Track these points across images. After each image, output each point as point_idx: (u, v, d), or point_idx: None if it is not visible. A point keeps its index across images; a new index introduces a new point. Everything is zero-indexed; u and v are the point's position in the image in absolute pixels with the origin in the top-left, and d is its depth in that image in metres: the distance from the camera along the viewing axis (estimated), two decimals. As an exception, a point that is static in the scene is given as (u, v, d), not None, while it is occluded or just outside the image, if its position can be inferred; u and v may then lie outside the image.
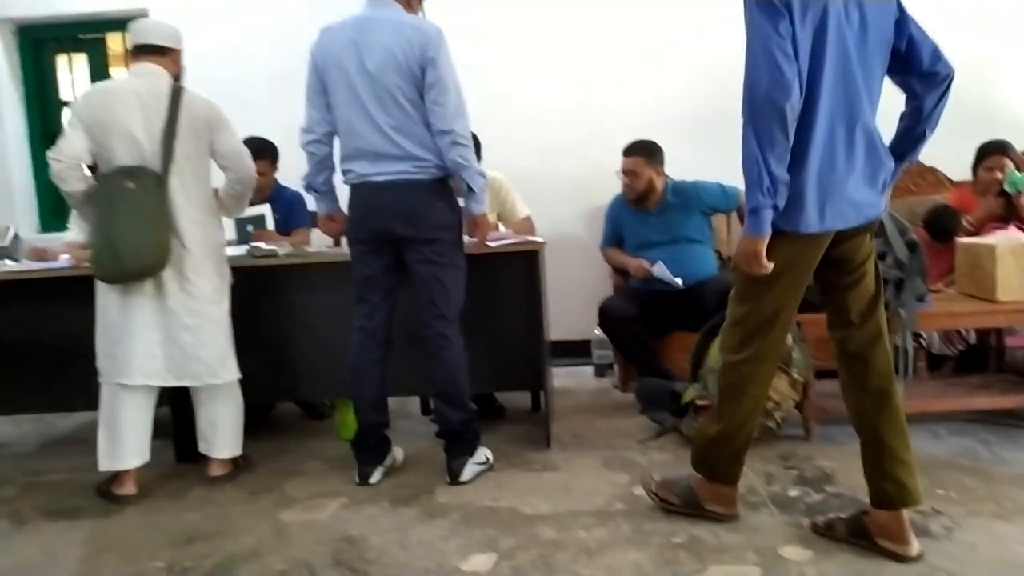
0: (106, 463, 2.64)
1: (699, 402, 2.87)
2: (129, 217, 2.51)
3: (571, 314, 3.99)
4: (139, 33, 2.69)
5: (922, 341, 3.33)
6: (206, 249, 2.68)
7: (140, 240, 2.50)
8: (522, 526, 2.26)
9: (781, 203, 1.81)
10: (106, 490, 2.66)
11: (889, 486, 1.96)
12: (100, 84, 2.78)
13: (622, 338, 3.52)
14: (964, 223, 3.40)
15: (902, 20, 1.92)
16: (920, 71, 1.95)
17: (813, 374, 2.87)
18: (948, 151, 4.04)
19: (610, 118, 4.20)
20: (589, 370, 4.18)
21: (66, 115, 4.86)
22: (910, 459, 1.97)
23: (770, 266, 1.86)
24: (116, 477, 2.66)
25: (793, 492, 2.40)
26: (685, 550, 2.05)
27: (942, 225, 3.40)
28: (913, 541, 1.96)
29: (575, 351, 4.21)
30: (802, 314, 2.78)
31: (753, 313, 2.02)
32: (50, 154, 2.63)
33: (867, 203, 1.92)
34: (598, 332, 3.83)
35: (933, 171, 4.14)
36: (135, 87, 2.62)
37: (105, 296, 2.65)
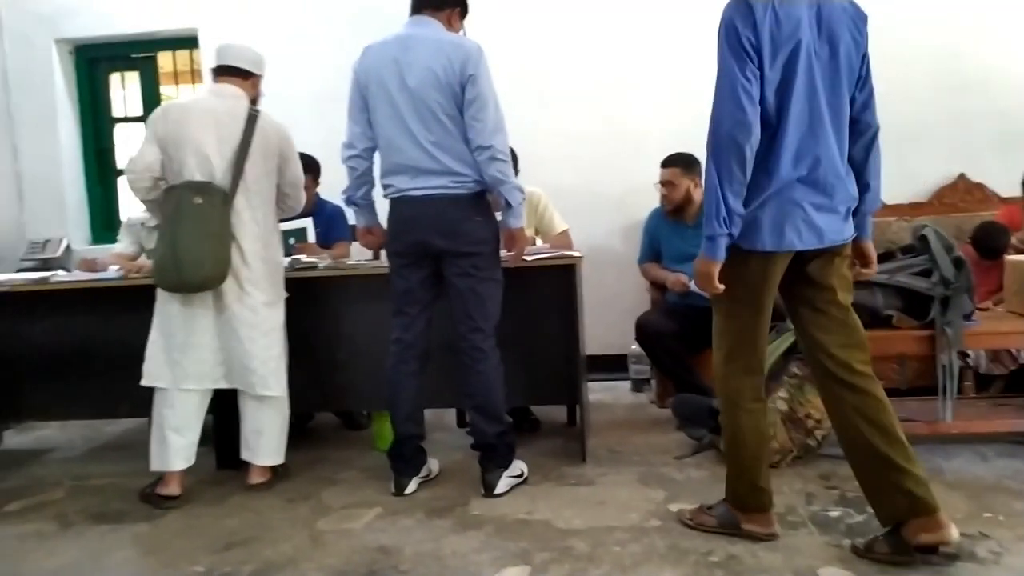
0: (157, 464, 2.73)
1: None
2: (194, 231, 2.59)
3: (608, 328, 3.98)
4: (225, 55, 2.80)
5: (969, 360, 3.26)
6: (266, 265, 2.76)
7: (203, 254, 2.58)
8: (556, 540, 2.25)
9: (736, 232, 1.93)
10: (150, 493, 2.73)
11: (900, 499, 1.97)
12: (179, 100, 2.89)
13: (659, 353, 3.50)
14: (1013, 240, 3.32)
15: (865, 58, 2.02)
16: (851, 115, 2.04)
17: (855, 392, 2.81)
18: (996, 167, 3.98)
19: (649, 133, 4.19)
20: (626, 385, 4.15)
21: (119, 131, 5.03)
22: (917, 469, 1.98)
23: (721, 287, 1.97)
24: (161, 478, 2.73)
25: (834, 512, 2.35)
26: (722, 569, 2.02)
27: (990, 242, 3.33)
28: (951, 525, 1.95)
29: (612, 366, 4.20)
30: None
31: (730, 327, 2.10)
32: (126, 166, 2.77)
33: (829, 229, 1.99)
34: (635, 347, 3.81)
35: (981, 187, 4.06)
36: (213, 106, 2.72)
37: (167, 304, 2.73)
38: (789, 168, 1.94)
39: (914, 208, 4.02)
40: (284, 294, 2.87)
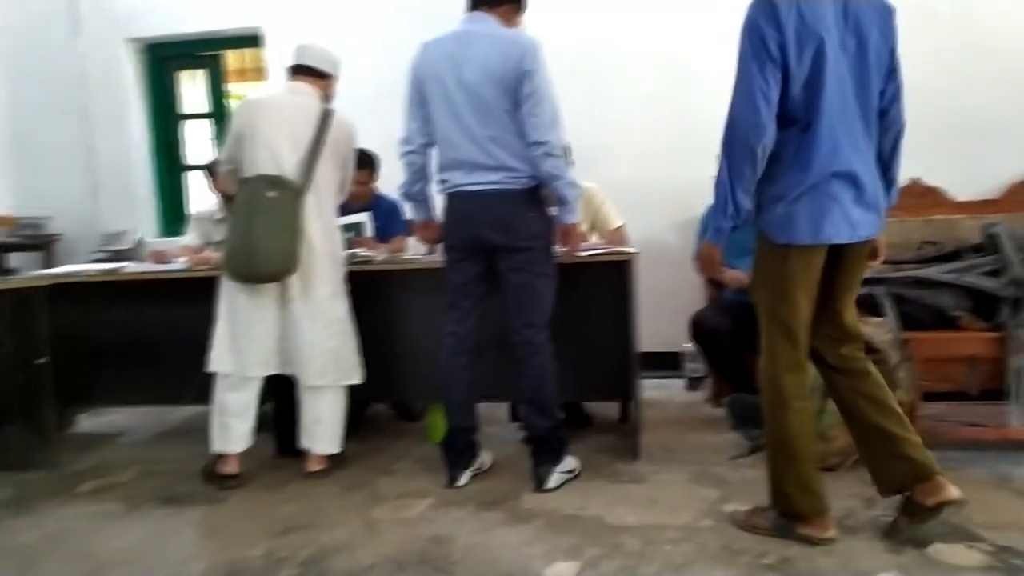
0: (217, 446, 2.83)
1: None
2: (267, 224, 2.66)
3: (663, 325, 3.94)
4: (303, 55, 2.89)
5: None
6: (330, 259, 2.84)
7: (275, 246, 2.66)
8: (607, 536, 2.25)
9: (741, 223, 2.01)
10: (211, 472, 2.84)
11: (900, 464, 2.05)
12: (258, 95, 2.99)
13: (714, 351, 3.45)
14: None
15: (893, 51, 2.04)
16: (878, 107, 2.06)
17: (920, 396, 2.73)
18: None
19: (708, 125, 4.10)
20: (680, 383, 4.11)
21: (187, 128, 5.20)
22: (912, 436, 2.09)
23: (723, 270, 2.12)
24: (220, 458, 2.84)
25: (894, 518, 2.28)
26: (775, 571, 1.99)
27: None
28: (951, 485, 2.03)
29: (667, 363, 4.16)
30: (909, 333, 2.70)
31: (773, 326, 2.10)
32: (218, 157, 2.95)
33: (862, 223, 2.02)
34: (690, 344, 3.77)
35: (1058, 184, 3.88)
36: (287, 102, 2.82)
37: (233, 293, 2.82)
38: (825, 162, 1.95)
39: (984, 206, 3.86)
40: (345, 286, 2.93)
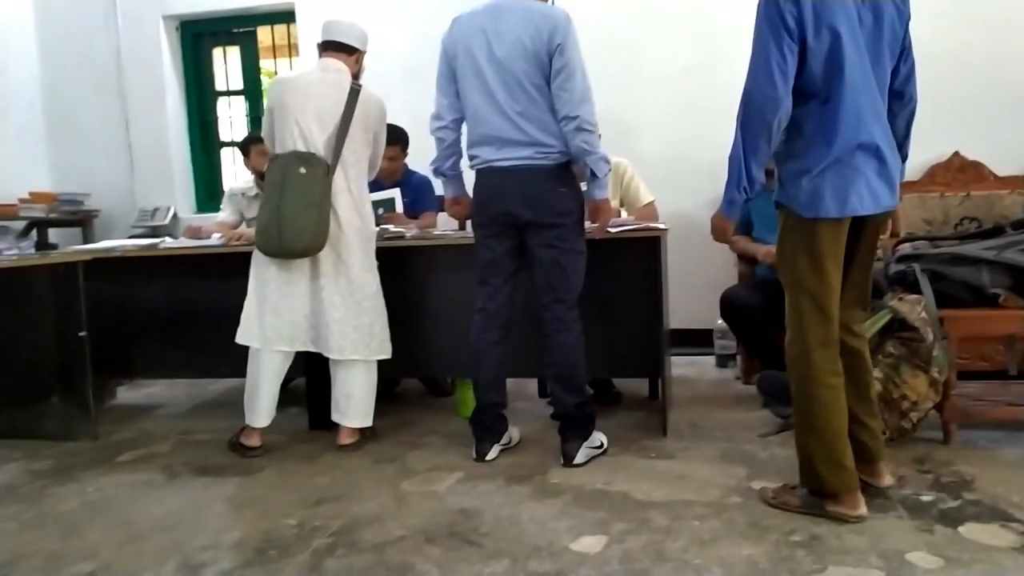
0: (249, 418, 2.91)
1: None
2: (298, 200, 2.70)
3: (694, 302, 3.92)
4: (332, 31, 2.89)
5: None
6: (360, 233, 2.86)
7: (305, 222, 2.69)
8: (634, 511, 2.25)
9: (754, 196, 2.05)
10: (236, 443, 2.93)
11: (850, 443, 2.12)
12: (288, 73, 3.03)
13: (745, 328, 3.42)
14: None
15: (907, 28, 2.06)
16: (893, 86, 2.09)
17: (956, 374, 2.69)
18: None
19: (738, 102, 4.05)
20: (711, 360, 4.09)
21: (221, 104, 5.25)
22: (875, 424, 2.23)
23: (735, 239, 2.18)
24: (243, 430, 2.92)
25: (927, 497, 2.26)
26: (804, 548, 1.98)
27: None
28: (887, 475, 2.22)
29: (697, 340, 4.14)
30: (946, 310, 2.65)
31: (801, 301, 2.10)
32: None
33: (884, 194, 2.04)
34: (720, 322, 3.74)
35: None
36: (317, 79, 2.84)
37: (264, 268, 2.87)
38: (849, 135, 1.97)
39: (1028, 180, 3.76)
40: (376, 262, 2.96)
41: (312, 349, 2.90)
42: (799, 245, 2.06)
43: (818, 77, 1.96)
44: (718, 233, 2.20)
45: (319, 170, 2.73)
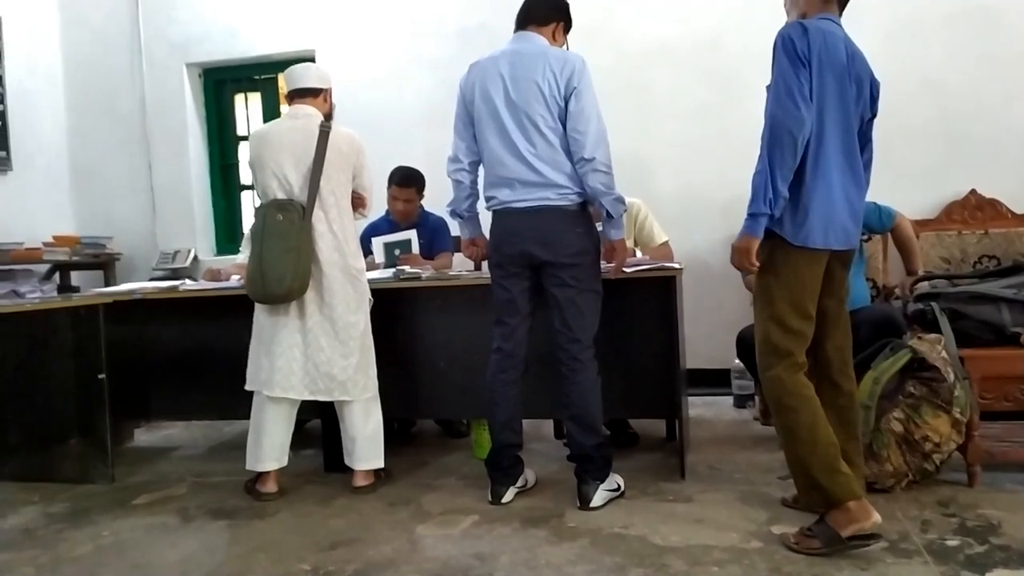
0: (251, 463, 2.92)
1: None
2: (276, 246, 2.75)
3: (710, 342, 3.90)
4: (294, 79, 2.97)
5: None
6: (344, 274, 2.88)
7: (285, 268, 2.73)
8: (652, 556, 2.22)
9: (777, 213, 2.14)
10: (251, 487, 2.93)
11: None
12: (261, 127, 3.07)
13: (763, 369, 3.39)
14: None
15: (875, 110, 2.33)
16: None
17: (978, 415, 2.64)
18: None
19: (752, 142, 4.04)
20: (728, 400, 4.05)
21: (243, 149, 5.35)
22: (859, 462, 2.34)
23: (756, 264, 2.18)
24: (259, 476, 2.92)
25: (952, 542, 2.21)
26: (826, 594, 1.94)
27: None
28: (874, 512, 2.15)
29: (714, 380, 4.10)
30: (967, 350, 2.62)
31: (775, 326, 2.21)
32: None
33: (853, 232, 2.27)
34: (738, 361, 3.71)
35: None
36: (288, 128, 2.90)
37: (259, 315, 2.93)
38: (833, 171, 2.17)
39: (1048, 218, 3.74)
40: (368, 302, 2.96)
41: (308, 397, 2.89)
42: (783, 274, 2.20)
43: (815, 116, 2.14)
44: (742, 255, 2.19)
45: (294, 215, 2.78)
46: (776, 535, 2.30)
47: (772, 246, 2.18)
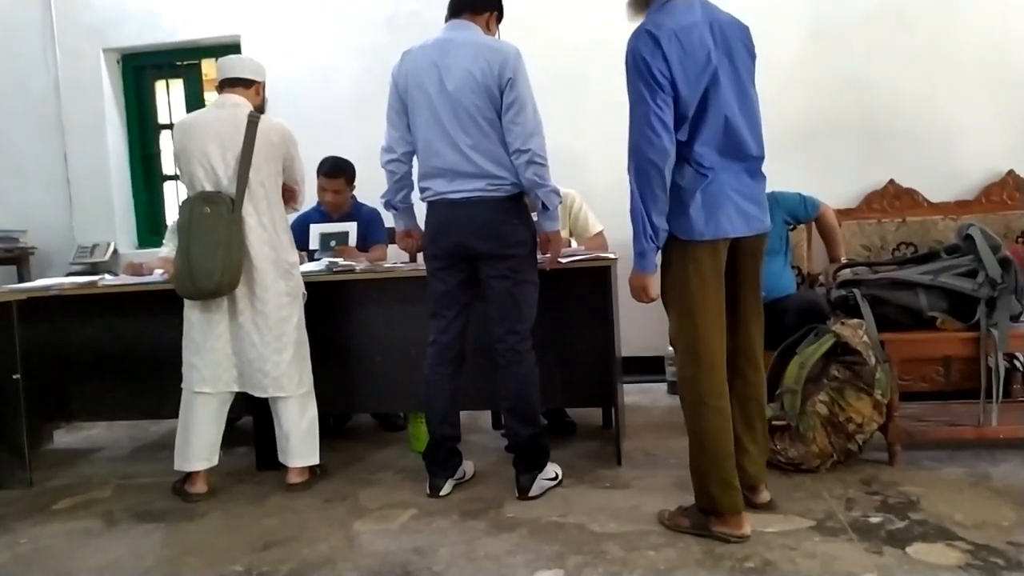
0: (179, 463, 2.82)
1: (775, 422, 2.78)
2: (204, 240, 2.66)
3: (644, 330, 3.94)
4: (227, 68, 2.88)
5: (1016, 363, 3.17)
6: (276, 268, 2.80)
7: (214, 262, 2.65)
8: (590, 543, 2.24)
9: (661, 243, 2.11)
10: (180, 488, 2.85)
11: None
12: (186, 116, 2.95)
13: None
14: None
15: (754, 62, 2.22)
16: None
17: (898, 396, 2.76)
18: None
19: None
20: (662, 387, 4.12)
21: (164, 138, 5.15)
22: (756, 450, 2.33)
23: (656, 294, 2.17)
24: (188, 477, 2.83)
25: (875, 519, 2.30)
26: (758, 574, 1.99)
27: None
28: (765, 492, 2.32)
29: (648, 368, 4.17)
30: (887, 334, 2.73)
31: (684, 327, 2.17)
32: None
33: (754, 217, 2.18)
34: (672, 349, 3.77)
35: (1030, 184, 3.94)
36: (216, 117, 2.80)
37: (189, 311, 2.83)
38: (716, 161, 2.10)
39: (960, 207, 3.91)
40: (301, 295, 2.90)
41: (236, 389, 2.84)
42: (679, 271, 2.14)
43: (689, 121, 2.09)
44: (639, 293, 2.19)
45: (222, 208, 2.69)
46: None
47: (665, 245, 2.15)
